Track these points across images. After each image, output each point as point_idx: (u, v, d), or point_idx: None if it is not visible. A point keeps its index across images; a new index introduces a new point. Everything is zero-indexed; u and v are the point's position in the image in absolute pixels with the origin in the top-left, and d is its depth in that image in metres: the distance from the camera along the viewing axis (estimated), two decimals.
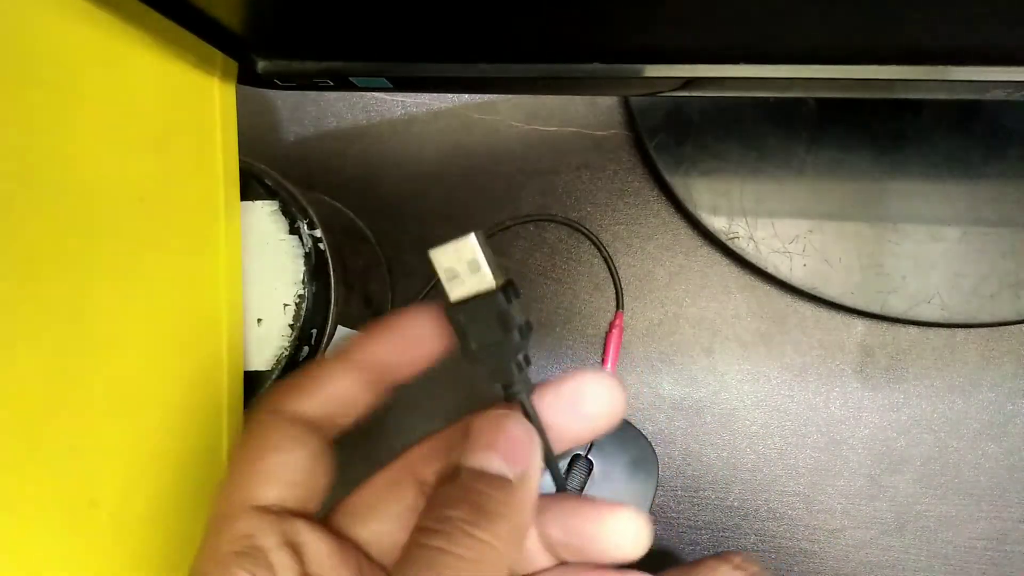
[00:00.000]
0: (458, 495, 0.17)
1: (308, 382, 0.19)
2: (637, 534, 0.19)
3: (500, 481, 0.17)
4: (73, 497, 0.20)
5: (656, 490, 0.34)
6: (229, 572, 0.17)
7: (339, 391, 0.20)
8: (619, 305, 0.36)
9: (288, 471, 0.18)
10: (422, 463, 0.20)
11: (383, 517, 0.20)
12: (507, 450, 0.18)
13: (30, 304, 0.19)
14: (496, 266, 0.18)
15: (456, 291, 0.18)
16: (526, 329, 0.19)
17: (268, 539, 0.17)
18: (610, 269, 0.37)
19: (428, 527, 0.17)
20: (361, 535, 0.20)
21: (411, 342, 0.20)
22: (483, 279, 0.18)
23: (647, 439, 0.35)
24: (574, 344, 0.37)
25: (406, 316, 0.20)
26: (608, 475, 0.32)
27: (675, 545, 0.36)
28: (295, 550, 0.18)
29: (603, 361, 0.36)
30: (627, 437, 0.34)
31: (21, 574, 0.19)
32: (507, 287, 0.18)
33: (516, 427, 0.18)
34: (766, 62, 0.23)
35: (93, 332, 0.21)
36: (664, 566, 0.33)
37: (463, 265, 0.18)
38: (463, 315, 0.18)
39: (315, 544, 0.18)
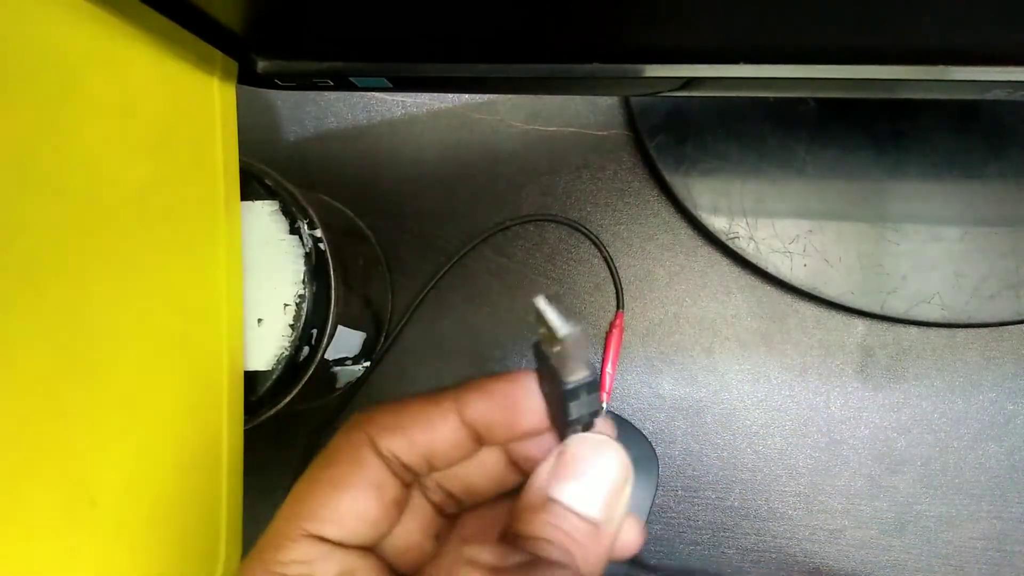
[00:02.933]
0: (557, 537, 0.17)
1: (415, 425, 0.19)
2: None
3: (594, 529, 0.17)
4: (73, 497, 0.20)
5: (656, 490, 0.34)
6: None
7: (441, 444, 0.19)
8: (619, 305, 0.36)
9: (362, 515, 0.18)
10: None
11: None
12: (605, 497, 0.17)
13: (30, 304, 0.19)
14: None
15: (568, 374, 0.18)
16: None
17: (325, 570, 0.17)
18: (610, 269, 0.37)
19: (525, 563, 0.16)
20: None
21: (517, 410, 0.19)
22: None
23: (647, 439, 0.35)
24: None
25: (516, 381, 0.19)
26: None
27: (675, 545, 0.36)
28: None
29: (603, 361, 0.36)
30: (627, 437, 0.34)
31: (21, 574, 0.19)
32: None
33: (617, 468, 0.18)
34: (766, 62, 0.23)
35: (93, 332, 0.21)
36: None
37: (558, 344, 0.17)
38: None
39: None
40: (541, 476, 0.18)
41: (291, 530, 0.18)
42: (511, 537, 0.17)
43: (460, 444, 0.19)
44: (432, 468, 0.19)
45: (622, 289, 0.37)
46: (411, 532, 0.20)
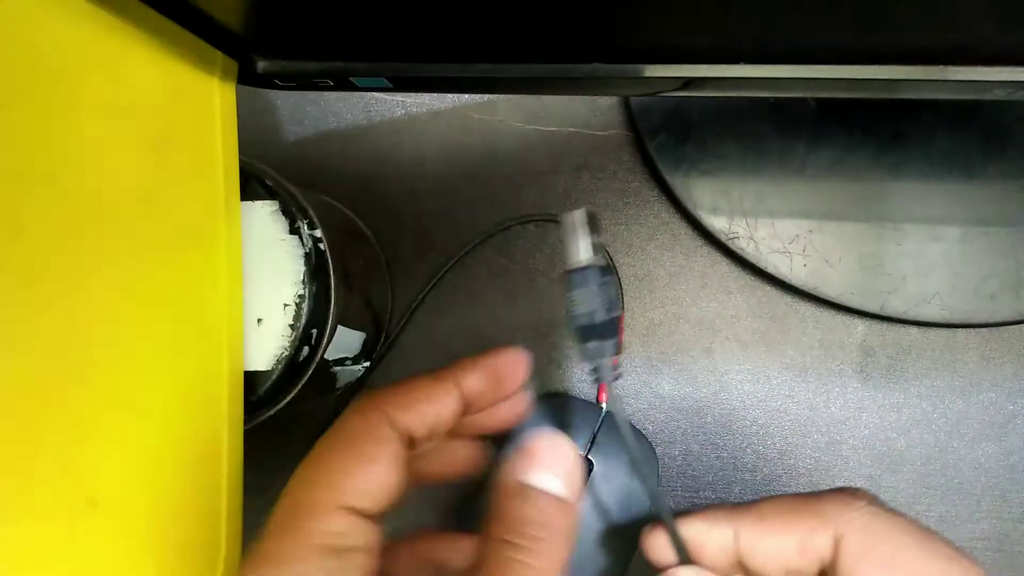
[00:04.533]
0: (534, 516, 0.20)
1: (423, 401, 0.22)
2: None
3: (558, 503, 0.20)
4: (73, 497, 0.20)
5: (658, 490, 0.34)
6: (315, 563, 0.18)
7: (440, 413, 0.22)
8: (620, 306, 0.36)
9: (383, 483, 0.20)
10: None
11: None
12: (564, 473, 0.20)
13: (30, 304, 0.19)
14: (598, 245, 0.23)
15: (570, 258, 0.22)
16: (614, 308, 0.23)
17: (356, 541, 0.19)
18: (611, 268, 0.37)
19: (511, 541, 0.19)
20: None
21: (503, 380, 0.23)
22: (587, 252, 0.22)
23: (647, 439, 0.35)
24: (575, 344, 0.37)
25: (503, 354, 0.23)
26: (608, 475, 0.32)
27: None
28: (375, 555, 0.20)
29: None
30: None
31: (21, 574, 0.19)
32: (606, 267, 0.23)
33: (571, 452, 0.21)
34: (766, 62, 0.23)
35: (92, 332, 0.21)
36: None
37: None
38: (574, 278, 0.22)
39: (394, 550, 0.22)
40: (509, 470, 0.21)
41: (327, 502, 0.19)
42: (517, 535, 0.19)
43: (457, 414, 0.22)
44: (431, 438, 0.22)
45: (622, 290, 0.37)
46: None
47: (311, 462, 0.20)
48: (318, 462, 0.20)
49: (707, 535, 0.23)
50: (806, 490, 0.36)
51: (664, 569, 0.24)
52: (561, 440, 0.21)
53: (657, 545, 0.24)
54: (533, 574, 0.19)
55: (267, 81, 0.26)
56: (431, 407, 0.21)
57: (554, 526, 0.19)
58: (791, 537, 0.22)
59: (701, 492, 0.36)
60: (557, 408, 0.33)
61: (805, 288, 0.35)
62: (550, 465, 0.20)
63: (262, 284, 0.28)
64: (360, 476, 0.20)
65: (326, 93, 0.37)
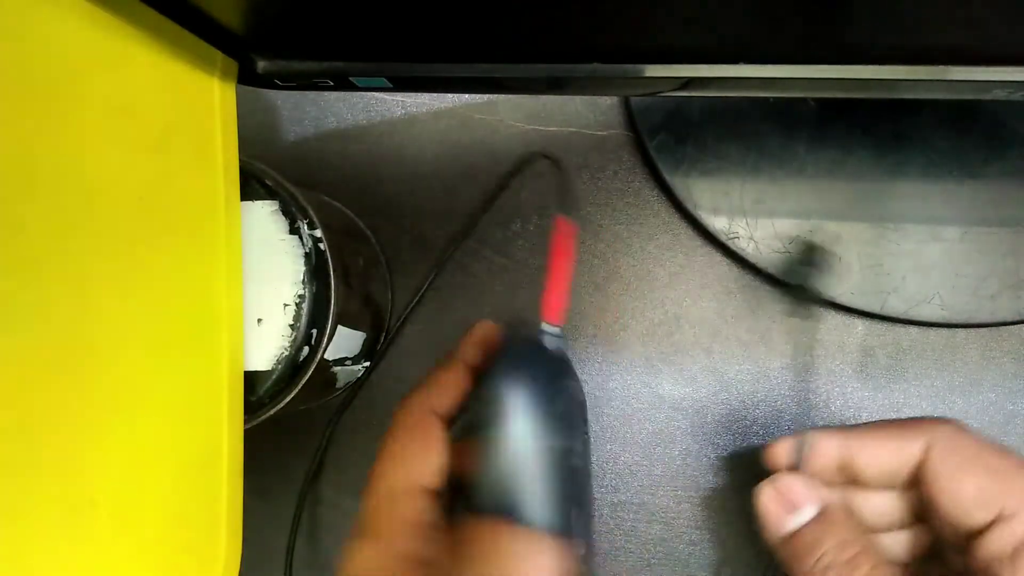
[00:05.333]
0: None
1: (445, 386, 0.27)
2: None
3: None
4: (73, 497, 0.20)
5: (587, 437, 0.28)
6: (414, 535, 0.23)
7: (461, 389, 0.27)
8: (566, 212, 0.28)
9: (443, 464, 0.25)
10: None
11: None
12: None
13: (30, 304, 0.19)
14: None
15: None
16: None
17: (434, 515, 0.24)
18: (561, 182, 0.35)
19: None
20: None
21: (488, 343, 0.28)
22: None
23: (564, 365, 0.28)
24: (575, 344, 0.37)
25: (481, 327, 0.29)
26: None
27: (675, 545, 0.36)
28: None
29: (548, 281, 0.28)
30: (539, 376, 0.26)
31: (21, 574, 0.19)
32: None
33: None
34: (766, 62, 0.23)
35: (93, 332, 0.21)
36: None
37: None
38: None
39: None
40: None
41: (411, 486, 0.24)
42: None
43: (469, 384, 0.27)
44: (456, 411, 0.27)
45: (571, 194, 0.31)
46: None
47: (385, 458, 0.25)
48: (392, 457, 0.25)
49: (818, 442, 0.27)
50: None
51: (775, 472, 0.28)
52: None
53: (776, 452, 0.29)
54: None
55: (267, 81, 0.26)
56: (456, 389, 0.26)
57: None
58: (890, 444, 0.26)
59: (701, 492, 0.36)
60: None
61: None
62: None
63: (262, 284, 0.28)
64: (429, 461, 0.24)
65: (326, 93, 0.38)
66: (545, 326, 0.26)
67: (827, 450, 0.27)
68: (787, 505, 0.27)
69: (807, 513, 0.26)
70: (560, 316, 0.23)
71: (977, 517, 0.24)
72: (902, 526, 0.28)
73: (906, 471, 0.26)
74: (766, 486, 0.27)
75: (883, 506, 0.28)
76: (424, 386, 0.27)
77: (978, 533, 0.24)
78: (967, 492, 0.24)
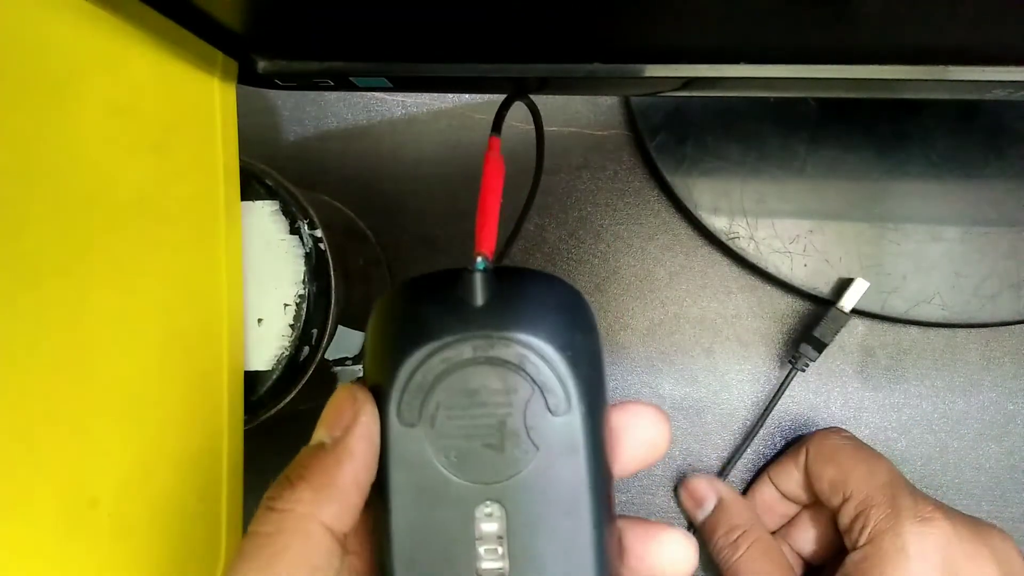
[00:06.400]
0: (278, 478, 0.19)
1: None
2: (687, 556, 0.19)
3: (315, 449, 0.18)
4: (73, 497, 0.20)
5: (597, 336, 0.21)
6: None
7: None
8: (494, 129, 0.23)
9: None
10: None
11: None
12: (329, 419, 0.18)
13: (30, 304, 0.19)
14: None
15: None
16: None
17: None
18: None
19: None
20: None
21: None
22: None
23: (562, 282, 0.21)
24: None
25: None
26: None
27: None
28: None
29: (479, 213, 0.20)
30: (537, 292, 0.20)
31: (21, 574, 0.19)
32: None
33: (341, 395, 0.19)
34: (766, 62, 0.23)
35: (93, 332, 0.21)
36: None
37: None
38: None
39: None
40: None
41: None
42: None
43: None
44: None
45: (506, 110, 0.23)
46: None
47: None
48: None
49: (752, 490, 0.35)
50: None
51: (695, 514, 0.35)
52: (339, 388, 0.19)
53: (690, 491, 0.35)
54: (261, 540, 0.17)
55: (267, 81, 0.26)
56: None
57: (293, 478, 0.18)
58: (789, 461, 0.33)
59: None
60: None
61: (806, 288, 0.35)
62: (320, 418, 0.19)
63: (262, 284, 0.28)
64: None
65: (326, 93, 0.38)
66: (479, 258, 0.19)
67: (761, 494, 0.35)
68: (697, 501, 0.34)
69: (709, 505, 0.34)
70: (490, 245, 0.19)
71: (833, 500, 0.31)
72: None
73: (801, 476, 0.33)
74: (681, 487, 0.35)
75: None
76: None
77: (838, 511, 0.31)
78: (823, 483, 0.31)
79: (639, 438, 0.19)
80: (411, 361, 0.17)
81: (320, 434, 0.19)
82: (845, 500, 0.30)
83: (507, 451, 0.17)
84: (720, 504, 0.33)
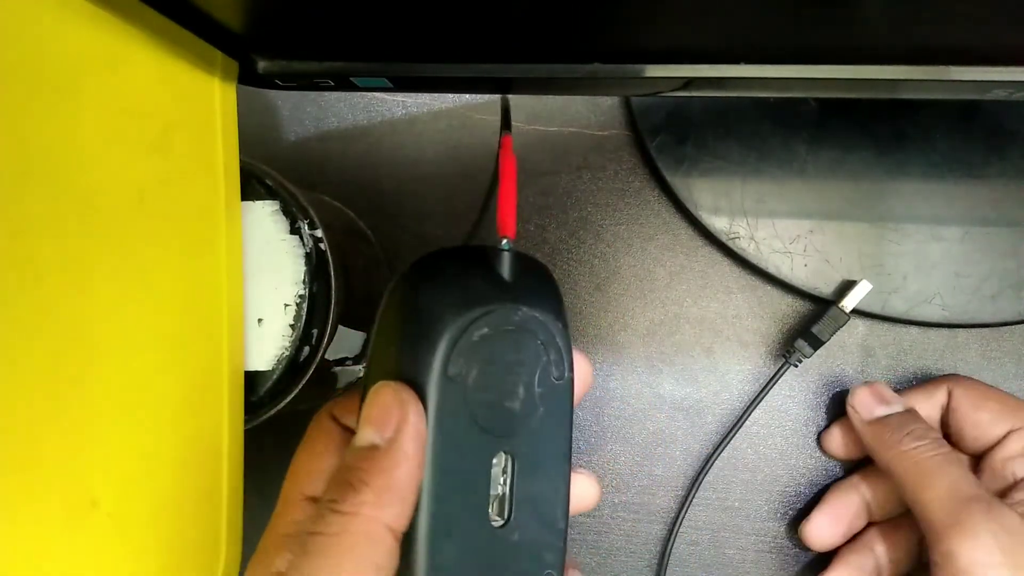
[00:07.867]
0: (335, 478, 0.19)
1: (355, 396, 0.23)
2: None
3: (369, 451, 0.19)
4: (73, 497, 0.20)
5: (565, 327, 0.23)
6: (279, 552, 0.20)
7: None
8: (505, 127, 0.25)
9: (330, 467, 0.22)
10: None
11: None
12: (377, 419, 0.19)
13: (30, 304, 0.19)
14: None
15: None
16: None
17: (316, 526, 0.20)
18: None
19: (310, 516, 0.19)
20: None
21: None
22: None
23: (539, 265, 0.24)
24: (574, 344, 0.37)
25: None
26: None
27: (675, 545, 0.36)
28: None
29: (499, 198, 0.23)
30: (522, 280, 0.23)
31: (21, 574, 0.19)
32: None
33: (386, 394, 0.19)
34: (766, 62, 0.23)
35: (93, 332, 0.21)
36: None
37: None
38: None
39: None
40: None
41: (289, 496, 0.22)
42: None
43: None
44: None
45: (509, 110, 0.25)
46: None
47: (288, 470, 0.23)
48: (291, 469, 0.23)
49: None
50: (808, 493, 0.36)
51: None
52: (380, 386, 0.20)
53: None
54: (325, 540, 0.18)
55: (267, 81, 0.26)
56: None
57: (353, 481, 0.19)
58: (923, 397, 0.33)
59: (701, 492, 0.36)
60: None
61: (806, 288, 0.35)
62: (364, 417, 0.20)
63: (262, 284, 0.28)
64: (310, 471, 0.22)
65: (326, 93, 0.37)
66: (503, 241, 0.22)
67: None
68: (879, 398, 0.33)
69: (895, 408, 0.33)
70: (512, 229, 0.22)
71: (992, 434, 0.32)
72: None
73: (937, 415, 0.33)
74: (861, 386, 0.34)
75: None
76: (342, 397, 0.25)
77: (994, 446, 0.31)
78: (984, 418, 0.32)
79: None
80: (461, 321, 0.19)
81: (369, 434, 0.19)
82: (1010, 434, 0.31)
83: (521, 409, 0.20)
84: (912, 411, 0.33)
